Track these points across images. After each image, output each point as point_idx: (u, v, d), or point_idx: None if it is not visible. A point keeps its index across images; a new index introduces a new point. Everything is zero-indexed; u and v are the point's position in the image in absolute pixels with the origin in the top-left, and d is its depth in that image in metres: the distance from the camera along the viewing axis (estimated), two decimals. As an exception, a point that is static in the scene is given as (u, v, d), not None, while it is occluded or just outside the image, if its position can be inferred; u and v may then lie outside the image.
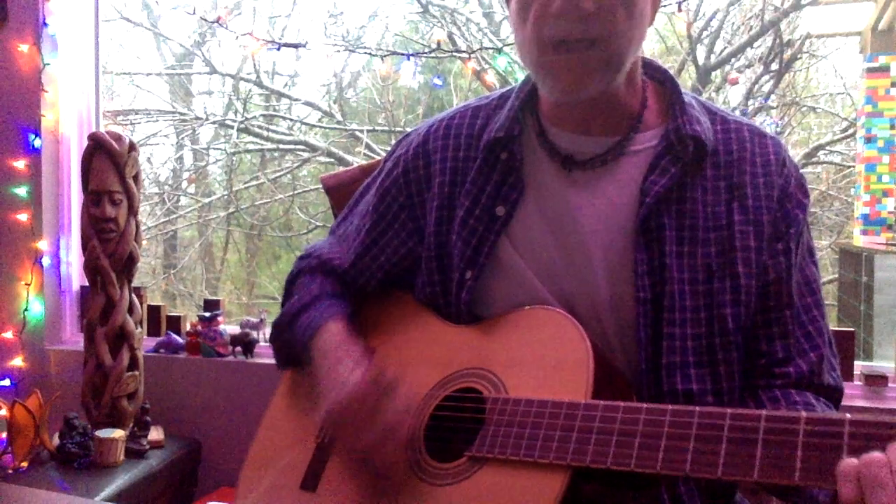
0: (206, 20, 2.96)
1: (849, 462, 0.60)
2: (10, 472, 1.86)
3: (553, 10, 0.82)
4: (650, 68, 0.97)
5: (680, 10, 2.41)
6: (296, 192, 4.65)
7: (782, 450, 0.64)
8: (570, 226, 0.90)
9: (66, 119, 2.33)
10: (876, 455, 0.59)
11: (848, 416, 0.63)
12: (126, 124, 4.42)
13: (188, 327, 2.24)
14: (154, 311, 2.34)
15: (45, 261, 2.30)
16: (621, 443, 0.72)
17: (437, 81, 3.89)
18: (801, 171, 0.95)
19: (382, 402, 0.83)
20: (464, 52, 3.20)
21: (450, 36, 3.81)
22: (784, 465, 0.64)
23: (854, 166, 3.62)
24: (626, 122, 0.92)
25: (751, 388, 0.89)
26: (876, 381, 1.73)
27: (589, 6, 0.81)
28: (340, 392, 0.85)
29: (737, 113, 0.98)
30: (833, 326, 0.95)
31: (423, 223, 0.99)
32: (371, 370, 0.86)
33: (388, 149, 1.11)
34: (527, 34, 0.86)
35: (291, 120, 4.57)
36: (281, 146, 4.59)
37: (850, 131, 3.96)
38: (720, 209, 0.88)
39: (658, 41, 4.03)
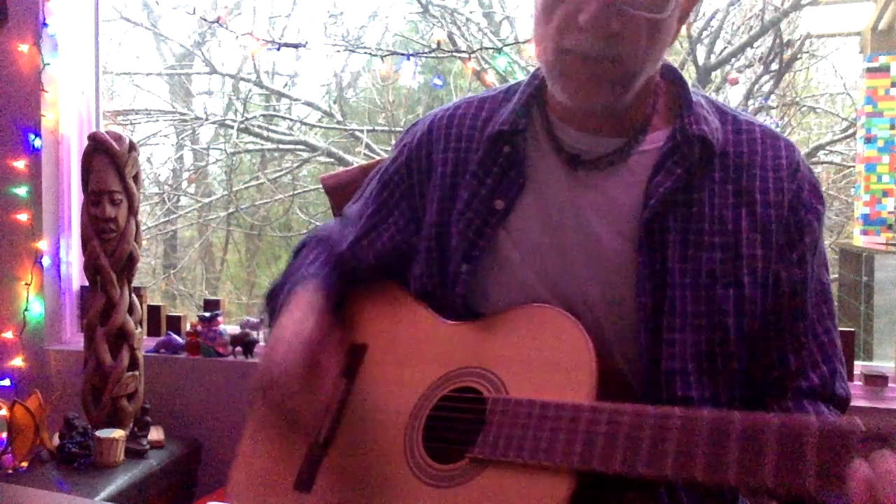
0: (206, 20, 2.96)
1: (861, 466, 0.59)
2: (10, 472, 1.86)
3: (580, 22, 0.80)
4: (662, 67, 0.94)
5: (680, 10, 2.41)
6: (296, 192, 4.65)
7: (794, 455, 0.63)
8: (570, 224, 0.89)
9: (66, 119, 2.33)
10: (889, 459, 0.58)
11: (859, 421, 0.62)
12: (126, 124, 4.42)
13: (188, 327, 2.24)
14: (154, 311, 2.34)
15: (45, 261, 2.30)
16: (629, 447, 0.70)
17: (437, 81, 3.89)
18: None
19: (325, 356, 0.85)
20: (464, 52, 3.20)
21: (450, 36, 3.81)
22: (797, 471, 0.63)
23: (854, 166, 3.62)
24: (636, 124, 0.90)
25: (761, 400, 0.87)
26: (876, 381, 1.73)
27: (617, 26, 0.79)
28: (286, 332, 0.88)
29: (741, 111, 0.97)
30: (834, 327, 0.94)
31: (422, 213, 0.99)
32: (322, 322, 0.89)
33: (388, 149, 1.12)
34: (548, 33, 0.84)
35: (291, 120, 4.57)
36: (281, 146, 4.58)
37: (850, 131, 3.95)
38: (727, 213, 0.86)
39: (658, 41, 4.02)
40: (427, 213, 0.98)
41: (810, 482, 0.62)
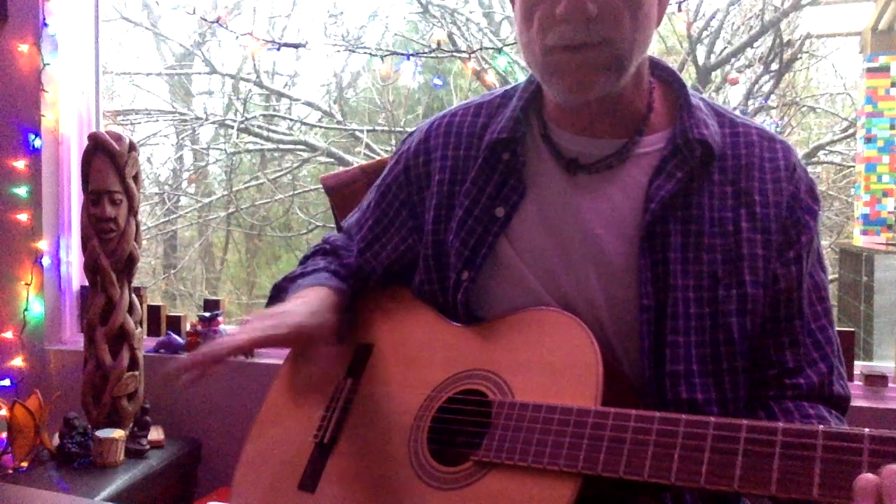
0: (206, 20, 2.96)
1: (868, 477, 0.59)
2: (10, 472, 1.86)
3: (558, 15, 0.81)
4: (658, 68, 0.95)
5: (680, 10, 2.42)
6: (296, 192, 4.65)
7: (800, 464, 0.63)
8: (572, 229, 0.89)
9: (66, 119, 2.33)
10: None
11: (867, 430, 0.62)
12: (126, 124, 4.42)
13: (188, 327, 2.24)
14: (154, 311, 2.33)
15: (45, 261, 2.30)
16: (634, 452, 0.70)
17: (437, 81, 3.88)
18: None
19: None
20: (464, 52, 3.20)
21: (450, 36, 3.80)
22: (802, 480, 0.63)
23: (854, 166, 3.62)
24: (632, 124, 0.91)
25: (761, 399, 0.87)
26: (876, 381, 1.73)
27: (592, 9, 0.80)
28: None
29: (737, 113, 0.97)
30: (833, 327, 0.94)
31: (422, 221, 0.99)
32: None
33: (388, 149, 1.12)
34: (532, 37, 0.85)
35: (291, 120, 4.57)
36: (281, 146, 4.58)
37: (850, 131, 3.96)
38: (727, 215, 0.86)
39: (658, 41, 4.02)
40: (425, 221, 0.98)
41: (815, 491, 0.62)
